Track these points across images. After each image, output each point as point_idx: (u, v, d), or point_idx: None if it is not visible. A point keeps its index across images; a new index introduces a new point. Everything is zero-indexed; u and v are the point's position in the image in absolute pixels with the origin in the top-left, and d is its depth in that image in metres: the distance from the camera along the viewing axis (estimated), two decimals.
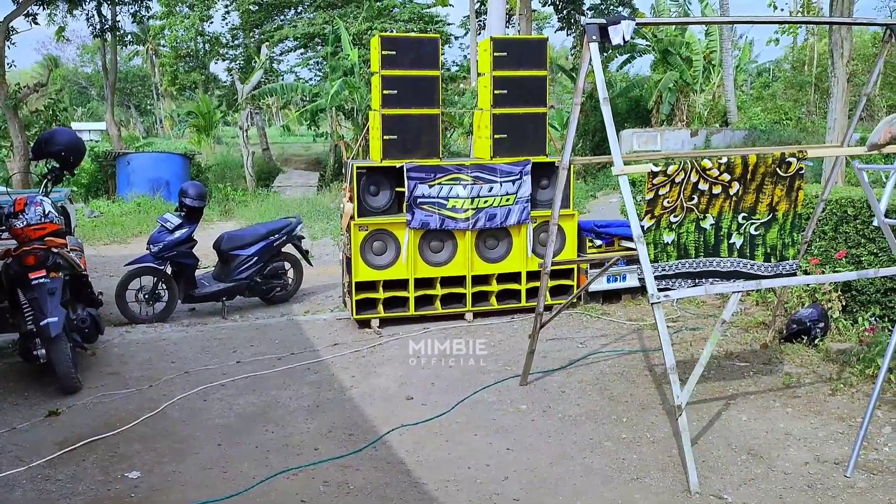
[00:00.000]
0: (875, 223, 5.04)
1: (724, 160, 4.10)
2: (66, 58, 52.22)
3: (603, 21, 4.15)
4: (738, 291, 3.98)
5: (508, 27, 20.84)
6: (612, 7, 20.41)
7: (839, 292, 5.84)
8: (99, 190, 19.10)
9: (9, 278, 5.18)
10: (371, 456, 4.18)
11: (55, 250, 5.16)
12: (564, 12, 22.49)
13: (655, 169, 3.99)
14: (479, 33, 21.65)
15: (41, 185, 5.84)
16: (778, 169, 4.23)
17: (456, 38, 26.98)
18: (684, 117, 23.26)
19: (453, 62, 26.62)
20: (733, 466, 3.94)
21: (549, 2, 22.61)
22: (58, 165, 5.93)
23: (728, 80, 22.77)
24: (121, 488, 3.82)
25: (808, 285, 6.01)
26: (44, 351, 5.01)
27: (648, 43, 22.64)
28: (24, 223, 5.11)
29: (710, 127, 21.96)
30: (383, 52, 6.43)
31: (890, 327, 5.21)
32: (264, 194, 18.93)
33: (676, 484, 3.76)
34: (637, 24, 4.24)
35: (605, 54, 22.71)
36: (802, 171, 4.26)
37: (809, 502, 3.55)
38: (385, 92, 6.49)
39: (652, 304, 3.74)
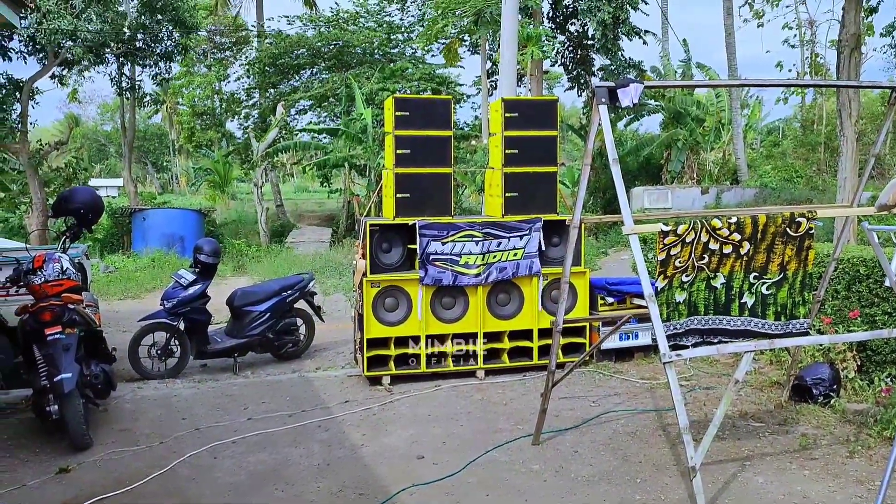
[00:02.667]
0: (888, 283, 5.05)
1: (734, 220, 4.14)
2: (87, 116, 53.53)
3: (612, 84, 4.26)
4: (751, 351, 3.96)
5: (520, 87, 21.28)
6: (622, 68, 20.77)
7: (854, 352, 5.79)
8: (114, 245, 19.35)
9: (25, 334, 5.24)
10: None
11: (71, 306, 5.23)
12: (574, 72, 22.91)
13: (666, 229, 4.03)
14: (491, 93, 22.09)
15: (60, 241, 5.95)
16: (788, 229, 4.27)
17: (468, 97, 27.47)
18: (694, 175, 23.45)
19: (465, 122, 27.01)
20: None
21: (560, 62, 23.07)
22: (76, 223, 6.06)
23: (738, 138, 23.01)
24: None
25: (821, 345, 5.97)
26: (56, 407, 5.03)
27: (658, 103, 23.00)
28: (42, 279, 5.20)
29: (720, 185, 22.11)
30: (397, 113, 6.59)
31: None
32: (277, 250, 19.10)
33: None
34: (645, 86, 4.34)
35: (613, 114, 23.07)
36: (812, 231, 4.29)
37: None
38: (398, 151, 6.62)
39: (664, 363, 3.74)
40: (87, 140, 50.47)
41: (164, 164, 51.06)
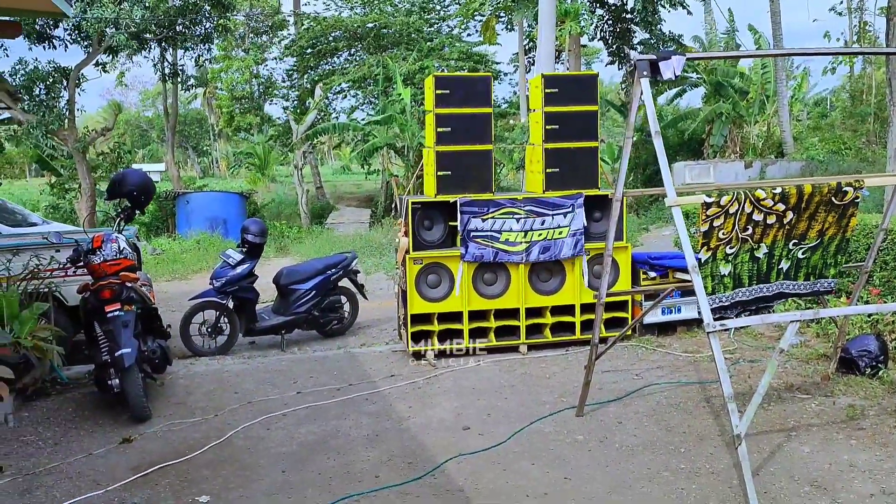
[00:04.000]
0: None
1: (779, 190, 4.14)
2: (129, 102, 54.58)
3: (653, 57, 4.26)
4: (796, 321, 3.97)
5: (558, 63, 21.06)
6: (661, 42, 20.41)
7: None
8: (160, 228, 19.83)
9: (86, 312, 5.47)
10: (430, 484, 4.26)
11: (129, 284, 5.44)
12: (614, 46, 22.59)
13: (709, 200, 4.04)
14: (529, 70, 21.91)
15: (115, 223, 6.17)
16: (833, 198, 4.25)
17: (505, 74, 27.29)
18: (738, 149, 23.04)
19: (503, 99, 26.86)
20: (796, 498, 3.90)
21: (599, 37, 22.76)
22: (129, 205, 6.27)
23: (783, 110, 22.49)
24: None
25: (869, 317, 5.91)
26: (117, 381, 5.26)
27: (700, 75, 22.59)
28: (101, 259, 5.42)
29: (765, 158, 21.68)
30: (437, 92, 6.64)
31: None
32: (318, 231, 19.37)
33: None
34: (687, 59, 4.34)
35: (655, 87, 22.74)
36: (858, 200, 4.26)
37: None
38: (439, 129, 6.68)
39: (708, 333, 3.77)
40: (130, 126, 51.48)
41: (205, 148, 51.86)
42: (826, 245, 4.43)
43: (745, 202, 4.10)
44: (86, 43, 17.98)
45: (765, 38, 22.47)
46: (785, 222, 4.27)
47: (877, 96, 24.55)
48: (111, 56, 19.25)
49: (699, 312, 6.51)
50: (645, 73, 4.22)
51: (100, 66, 19.42)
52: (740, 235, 4.22)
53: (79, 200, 18.46)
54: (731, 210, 4.11)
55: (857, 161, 19.91)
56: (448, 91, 6.67)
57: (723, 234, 4.17)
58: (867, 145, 22.46)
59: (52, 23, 16.54)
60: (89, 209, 17.90)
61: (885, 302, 5.70)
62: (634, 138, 23.68)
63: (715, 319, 3.94)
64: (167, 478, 4.42)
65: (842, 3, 25.34)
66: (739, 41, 22.75)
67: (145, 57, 19.75)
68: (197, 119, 50.17)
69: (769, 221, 4.24)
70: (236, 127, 34.09)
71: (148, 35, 18.26)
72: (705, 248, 4.18)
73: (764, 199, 4.13)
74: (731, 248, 4.24)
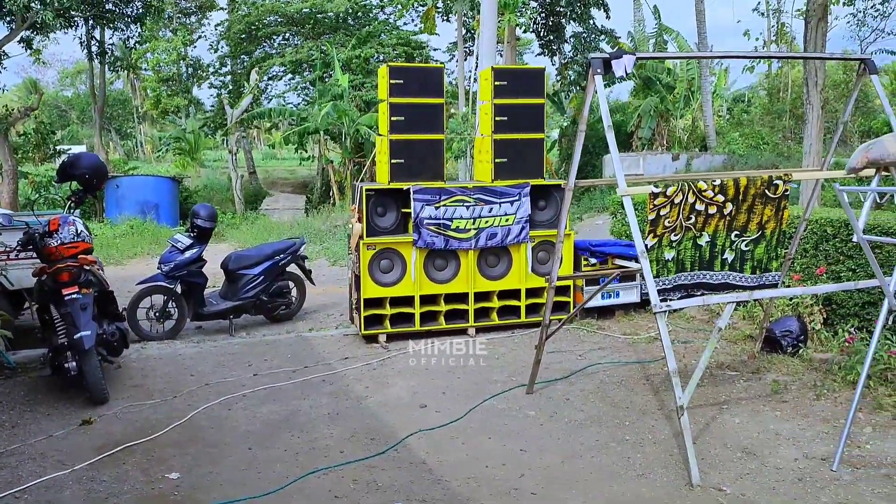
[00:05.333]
0: (855, 239, 5.47)
1: (718, 182, 4.51)
2: (46, 81, 52.24)
3: (607, 55, 4.55)
4: (733, 301, 4.35)
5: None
6: (592, 36, 21.00)
7: (820, 306, 6.26)
8: (87, 212, 19.25)
9: (42, 295, 5.43)
10: (394, 458, 4.48)
11: (87, 267, 5.43)
12: (545, 39, 23.07)
13: (656, 190, 4.37)
14: (466, 59, 22.17)
15: (66, 206, 6.11)
16: (766, 190, 4.65)
17: (441, 63, 27.49)
18: (665, 142, 23.95)
19: None
20: (730, 463, 4.29)
21: (532, 29, 23.21)
22: (81, 188, 6.21)
23: (707, 105, 23.48)
24: (164, 487, 4.08)
25: (791, 300, 6.43)
26: (75, 363, 5.25)
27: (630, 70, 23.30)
28: (59, 241, 5.39)
29: (690, 151, 22.62)
30: (392, 81, 6.81)
31: (868, 337, 5.61)
32: (253, 217, 19.22)
33: (679, 479, 4.11)
34: (637, 58, 4.65)
35: (583, 83, 23.38)
36: (788, 193, 4.68)
37: (800, 493, 3.90)
38: (393, 118, 6.85)
39: (655, 313, 4.10)
40: (48, 106, 49.29)
41: (128, 130, 50.17)
42: (769, 239, 4.82)
43: (688, 193, 4.45)
44: (9, 19, 17.26)
45: (681, 37, 23.39)
46: (725, 213, 4.64)
47: (792, 94, 25.90)
48: (35, 33, 18.53)
49: (640, 296, 6.91)
50: (599, 70, 4.51)
51: (23, 43, 18.65)
52: (684, 224, 4.58)
53: (1, 183, 17.75)
54: (677, 200, 4.45)
55: (774, 156, 21.01)
56: (402, 81, 6.84)
57: (668, 222, 4.51)
58: (783, 141, 23.70)
59: None
60: (12, 192, 17.25)
61: (806, 286, 6.20)
62: (566, 132, 24.20)
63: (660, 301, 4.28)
64: (133, 456, 4.49)
65: (759, 4, 26.52)
66: (664, 43, 23.56)
67: (73, 35, 19.07)
68: (120, 100, 48.39)
69: (710, 211, 4.61)
70: (163, 110, 33.20)
71: (75, 13, 17.66)
72: (652, 234, 4.52)
73: (705, 191, 4.50)
74: (675, 235, 4.59)
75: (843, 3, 20.60)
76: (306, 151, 22.77)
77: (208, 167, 33.07)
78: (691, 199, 4.48)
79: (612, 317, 7.72)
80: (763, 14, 26.17)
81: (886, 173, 4.09)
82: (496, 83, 7.06)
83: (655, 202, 4.42)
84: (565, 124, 25.42)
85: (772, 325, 6.18)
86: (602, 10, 21.08)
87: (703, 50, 22.57)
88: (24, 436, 4.81)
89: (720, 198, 4.55)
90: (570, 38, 22.79)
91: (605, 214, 14.54)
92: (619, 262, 7.49)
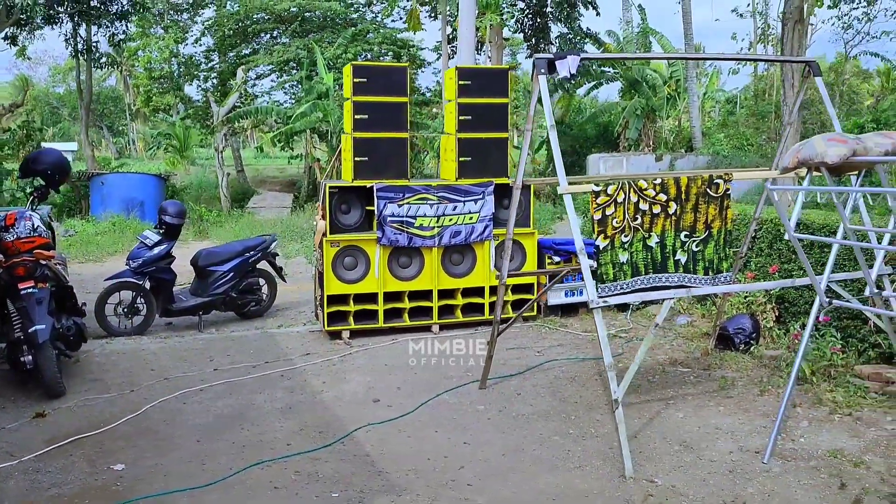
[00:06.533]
0: (786, 237, 5.56)
1: (659, 181, 4.59)
2: (38, 77, 52.03)
3: (551, 56, 4.64)
4: (670, 298, 4.44)
5: (480, 55, 21.47)
6: (578, 37, 21.12)
7: (773, 304, 6.36)
8: (73, 210, 19.25)
9: None
10: (339, 450, 4.55)
11: (43, 262, 5.49)
12: (533, 40, 23.18)
13: (597, 189, 4.45)
14: (451, 58, 22.24)
15: (28, 201, 6.17)
16: (709, 189, 4.73)
17: (429, 63, 27.54)
18: (651, 143, 24.07)
19: (427, 87, 27.11)
20: (666, 456, 4.38)
21: (519, 30, 23.30)
22: (43, 183, 6.27)
23: (693, 106, 23.60)
24: (107, 478, 4.15)
25: (745, 298, 6.52)
26: (31, 357, 5.32)
27: (616, 70, 23.43)
28: (15, 236, 5.44)
29: (675, 152, 22.73)
30: (355, 80, 6.88)
31: (815, 334, 5.71)
32: (238, 215, 19.23)
33: (614, 471, 4.19)
34: (582, 59, 4.73)
35: (572, 82, 23.48)
36: (729, 192, 4.76)
37: (728, 484, 3.99)
38: (357, 116, 6.92)
39: (591, 308, 4.19)
40: (39, 103, 49.17)
41: (121, 128, 50.11)
42: (717, 238, 4.88)
43: (629, 191, 4.53)
44: None
45: (666, 39, 23.51)
46: (670, 213, 4.72)
47: (777, 95, 26.02)
48: (19, 29, 18.55)
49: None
50: (542, 70, 4.60)
51: (9, 40, 18.68)
52: (631, 224, 4.65)
53: None
54: (619, 199, 4.53)
55: (758, 157, 21.12)
56: (366, 80, 6.91)
57: (616, 222, 4.58)
58: (767, 142, 23.82)
59: None
60: None
61: (746, 284, 6.29)
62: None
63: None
64: (82, 448, 4.56)
65: (748, 5, 26.69)
66: (650, 43, 23.68)
67: (59, 31, 19.10)
68: (112, 97, 48.32)
69: (655, 211, 4.68)
70: (154, 107, 33.16)
71: (60, 8, 17.69)
72: (602, 235, 4.58)
73: (646, 189, 4.58)
74: (625, 236, 4.64)
75: (828, 6, 20.72)
76: (293, 150, 22.79)
77: (199, 165, 33.06)
78: (634, 197, 4.56)
79: (576, 314, 7.81)
80: (742, 15, 26.37)
81: (818, 173, 4.18)
82: (461, 82, 7.13)
83: (598, 201, 4.49)
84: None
85: (725, 323, 6.27)
86: (592, 8, 21.20)
87: (689, 51, 22.71)
88: None
89: (662, 196, 4.62)
90: (555, 38, 22.92)
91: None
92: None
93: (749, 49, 27.68)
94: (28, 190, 16.29)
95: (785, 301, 6.37)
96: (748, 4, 26.69)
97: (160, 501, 3.91)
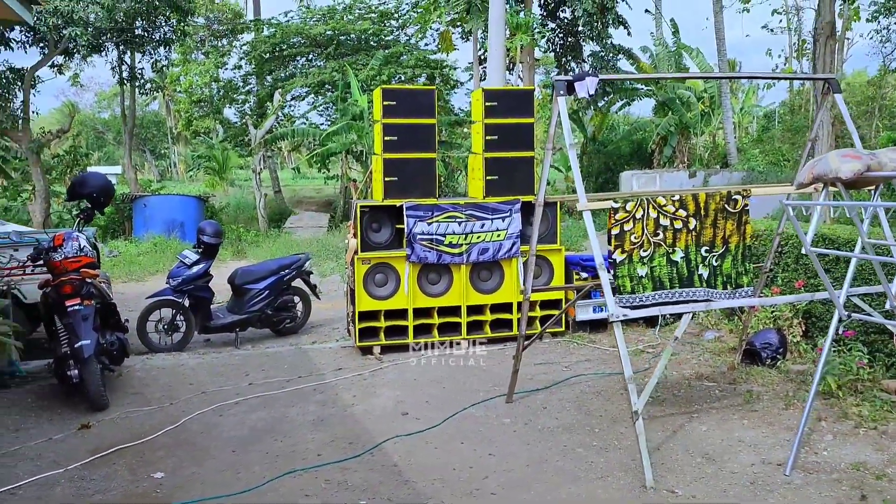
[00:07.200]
0: (803, 251, 5.57)
1: (677, 197, 4.69)
2: (84, 104, 53.77)
3: (570, 77, 4.78)
4: (688, 312, 4.51)
5: (512, 75, 21.68)
6: (610, 55, 21.20)
7: (800, 318, 6.36)
8: (116, 231, 19.88)
9: (46, 306, 5.79)
10: (368, 461, 4.70)
11: (89, 280, 5.78)
12: (563, 60, 23.33)
13: (616, 205, 4.57)
14: (483, 79, 22.49)
15: (75, 223, 6.49)
16: (726, 205, 4.81)
17: (462, 83, 27.85)
18: (685, 159, 23.95)
19: (460, 108, 27.42)
20: (688, 467, 4.44)
21: (550, 49, 23.47)
22: (89, 206, 6.60)
23: (727, 122, 23.46)
24: (148, 486, 4.36)
25: (772, 312, 6.53)
26: (77, 371, 5.59)
27: (649, 87, 23.45)
28: (63, 256, 5.75)
29: (709, 169, 22.58)
30: (384, 103, 7.10)
31: (842, 349, 5.71)
32: (276, 235, 19.64)
33: (635, 482, 4.27)
34: (601, 80, 4.87)
35: (606, 99, 23.57)
36: (748, 207, 4.83)
37: (749, 495, 4.04)
38: (386, 138, 7.14)
39: (611, 322, 4.29)
40: (85, 128, 50.76)
41: (163, 151, 51.42)
42: (734, 253, 4.94)
43: (648, 207, 4.63)
44: (42, 44, 18.07)
45: (702, 55, 23.46)
46: (691, 228, 4.80)
47: (813, 111, 25.73)
48: (67, 58, 19.32)
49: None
50: (562, 91, 4.74)
51: (56, 68, 19.46)
52: (651, 240, 4.74)
53: (32, 202, 18.46)
54: (638, 215, 4.64)
55: (794, 172, 20.88)
56: (395, 102, 7.14)
57: (634, 237, 4.68)
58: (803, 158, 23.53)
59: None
60: (44, 211, 17.94)
61: (766, 297, 6.31)
62: (586, 148, 24.35)
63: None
64: (124, 458, 4.78)
65: (781, 21, 26.53)
66: (682, 61, 23.66)
67: (104, 59, 19.86)
68: (155, 122, 49.73)
69: (676, 226, 4.77)
70: (195, 130, 34.07)
71: (105, 37, 18.38)
72: (619, 250, 4.68)
73: (665, 206, 4.68)
74: (644, 251, 4.73)
75: (867, 20, 20.51)
76: (329, 171, 23.21)
77: (238, 186, 33.79)
78: (653, 213, 4.66)
79: (604, 330, 7.86)
80: (772, 31, 26.20)
81: (834, 188, 4.24)
82: (487, 104, 7.32)
83: (616, 217, 4.61)
84: (584, 141, 25.61)
85: (752, 338, 6.29)
86: (623, 27, 21.29)
87: (722, 68, 22.66)
88: (25, 438, 5.14)
89: (682, 212, 4.71)
90: (588, 56, 23.03)
91: None
92: None
93: (785, 64, 27.47)
94: (75, 212, 16.94)
95: (812, 316, 6.38)
96: (780, 21, 26.40)
97: None
